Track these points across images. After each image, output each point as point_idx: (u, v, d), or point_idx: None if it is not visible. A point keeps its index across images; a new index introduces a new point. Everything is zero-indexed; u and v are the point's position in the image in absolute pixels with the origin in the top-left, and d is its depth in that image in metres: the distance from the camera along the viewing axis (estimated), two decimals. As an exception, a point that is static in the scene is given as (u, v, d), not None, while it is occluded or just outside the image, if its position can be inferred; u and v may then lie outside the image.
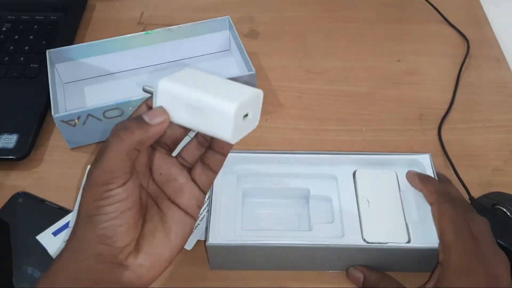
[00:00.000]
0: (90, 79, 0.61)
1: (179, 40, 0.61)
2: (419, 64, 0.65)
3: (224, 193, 0.46)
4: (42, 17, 0.67)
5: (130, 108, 0.52)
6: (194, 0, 0.73)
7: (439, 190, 0.44)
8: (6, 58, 0.62)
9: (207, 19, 0.61)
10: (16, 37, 0.64)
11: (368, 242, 0.42)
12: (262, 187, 0.48)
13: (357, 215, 0.44)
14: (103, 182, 0.31)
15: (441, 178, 0.48)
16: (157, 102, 0.32)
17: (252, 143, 0.56)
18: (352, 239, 0.43)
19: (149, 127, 0.31)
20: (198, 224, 0.49)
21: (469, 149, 0.56)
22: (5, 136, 0.54)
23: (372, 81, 0.63)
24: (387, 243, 0.42)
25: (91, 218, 0.32)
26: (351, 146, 0.56)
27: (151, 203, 0.35)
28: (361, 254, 0.44)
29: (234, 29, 0.59)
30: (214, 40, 0.63)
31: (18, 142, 0.54)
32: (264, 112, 0.59)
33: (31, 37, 0.64)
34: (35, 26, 0.66)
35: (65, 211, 0.50)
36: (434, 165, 0.47)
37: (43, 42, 0.64)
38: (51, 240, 0.47)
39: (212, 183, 0.37)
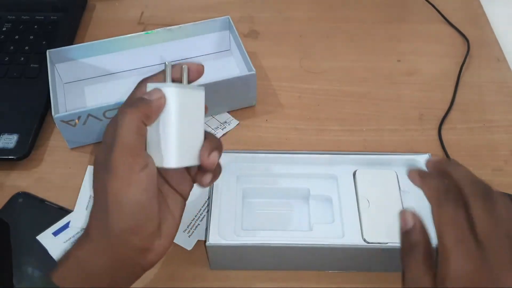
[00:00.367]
0: (90, 79, 0.61)
1: (179, 40, 0.61)
2: (419, 64, 0.65)
3: (224, 193, 0.46)
4: (42, 17, 0.67)
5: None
6: (194, 0, 0.73)
7: (439, 187, 0.40)
8: (6, 58, 0.62)
9: (207, 19, 0.61)
10: (16, 37, 0.64)
11: (368, 242, 0.42)
12: (262, 187, 0.48)
13: (357, 215, 0.44)
14: (126, 163, 0.33)
15: (453, 163, 0.41)
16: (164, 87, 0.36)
17: (252, 143, 0.56)
18: (352, 239, 0.43)
19: (151, 102, 0.35)
20: (198, 224, 0.49)
21: (469, 149, 0.56)
22: (5, 136, 0.54)
23: (372, 81, 0.63)
24: (387, 243, 0.42)
25: (120, 209, 0.33)
26: (351, 146, 0.56)
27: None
28: (361, 254, 0.44)
29: (234, 29, 0.59)
30: (214, 40, 0.63)
31: (18, 142, 0.54)
32: (264, 112, 0.59)
33: (31, 37, 0.64)
34: (35, 26, 0.66)
35: (65, 211, 0.50)
36: (434, 165, 0.47)
37: (43, 42, 0.64)
38: (51, 240, 0.48)
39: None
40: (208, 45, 0.63)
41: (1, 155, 0.53)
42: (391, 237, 0.43)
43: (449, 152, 0.54)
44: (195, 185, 0.40)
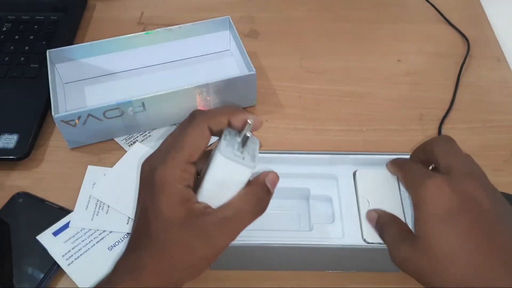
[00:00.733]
0: (90, 79, 0.61)
1: (179, 40, 0.61)
2: (419, 64, 0.65)
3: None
4: (42, 17, 0.67)
5: (130, 108, 0.52)
6: (194, 0, 0.73)
7: (412, 168, 0.41)
8: (6, 58, 0.62)
9: (207, 19, 0.61)
10: (16, 37, 0.65)
11: (368, 242, 0.42)
12: (262, 187, 0.47)
13: (357, 215, 0.44)
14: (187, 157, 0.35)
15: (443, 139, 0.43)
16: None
17: (252, 143, 0.56)
18: (352, 239, 0.43)
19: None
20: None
21: (469, 149, 0.55)
22: (6, 136, 0.54)
23: (372, 81, 0.63)
24: (387, 243, 0.42)
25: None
26: (351, 146, 0.56)
27: None
28: (361, 254, 0.43)
29: (234, 29, 0.59)
30: (214, 40, 0.63)
31: (19, 142, 0.54)
32: (264, 112, 0.59)
33: (31, 37, 0.64)
34: (35, 26, 0.66)
35: (65, 211, 0.50)
36: (434, 165, 0.47)
37: (43, 42, 0.64)
38: (51, 240, 0.47)
39: None
40: (208, 45, 0.63)
41: (1, 155, 0.53)
42: (391, 237, 0.42)
43: (449, 152, 0.54)
44: None
